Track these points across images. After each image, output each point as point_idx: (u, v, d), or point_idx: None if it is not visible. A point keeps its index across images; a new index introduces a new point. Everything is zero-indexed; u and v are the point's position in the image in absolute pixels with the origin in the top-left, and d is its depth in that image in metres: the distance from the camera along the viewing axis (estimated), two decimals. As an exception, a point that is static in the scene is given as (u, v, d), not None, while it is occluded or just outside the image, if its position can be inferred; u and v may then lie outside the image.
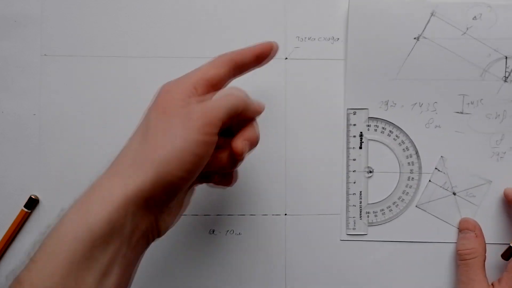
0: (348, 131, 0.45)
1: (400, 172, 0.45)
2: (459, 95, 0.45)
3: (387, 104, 0.45)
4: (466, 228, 0.44)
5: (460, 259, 0.43)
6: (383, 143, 0.45)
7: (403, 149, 0.45)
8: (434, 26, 0.44)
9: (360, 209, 0.45)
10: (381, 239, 0.45)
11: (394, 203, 0.45)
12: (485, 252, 0.43)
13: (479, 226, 0.44)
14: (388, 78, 0.45)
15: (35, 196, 0.45)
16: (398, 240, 0.45)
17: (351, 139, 0.45)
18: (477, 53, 0.44)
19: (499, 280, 0.41)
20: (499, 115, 0.45)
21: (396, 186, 0.45)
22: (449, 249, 0.45)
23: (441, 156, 0.45)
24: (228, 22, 0.45)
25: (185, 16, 0.45)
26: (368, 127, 0.45)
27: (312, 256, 0.45)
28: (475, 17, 0.44)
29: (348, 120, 0.45)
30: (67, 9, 0.45)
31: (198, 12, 0.45)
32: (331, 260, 0.45)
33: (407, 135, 0.45)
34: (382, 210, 0.45)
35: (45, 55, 0.45)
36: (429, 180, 0.45)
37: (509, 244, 0.43)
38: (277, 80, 0.45)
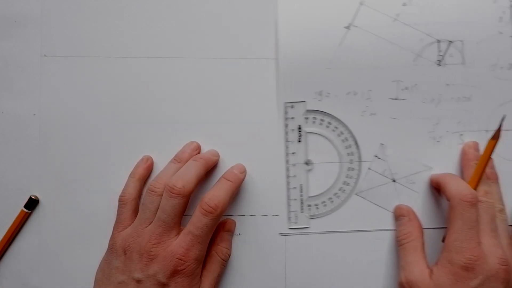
0: (286, 124, 0.45)
1: (340, 163, 0.45)
2: (393, 81, 0.45)
3: (321, 94, 0.44)
4: (400, 214, 0.44)
5: (399, 245, 0.43)
6: (322, 135, 0.45)
7: (342, 139, 0.45)
8: (364, 15, 0.44)
9: (302, 203, 0.45)
10: (323, 231, 0.45)
11: (335, 194, 0.45)
12: (422, 235, 0.43)
13: (412, 210, 0.44)
14: (321, 68, 0.44)
15: (35, 196, 0.44)
16: (341, 230, 0.45)
17: (289, 132, 0.45)
18: (409, 39, 0.44)
19: (436, 263, 0.40)
20: (434, 99, 0.45)
21: (336, 177, 0.45)
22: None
23: (381, 144, 0.45)
24: (229, 22, 0.45)
25: (184, 16, 0.45)
26: (306, 120, 0.45)
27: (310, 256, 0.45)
28: (404, 3, 0.44)
29: (286, 113, 0.45)
30: (67, 9, 0.45)
31: (198, 12, 0.45)
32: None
33: (345, 126, 0.44)
34: (324, 202, 0.45)
35: (45, 55, 0.45)
36: (369, 168, 0.45)
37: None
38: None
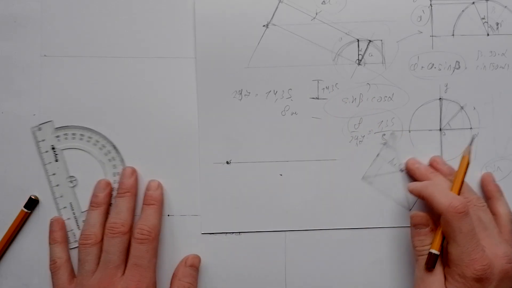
0: (38, 148, 0.44)
1: (104, 172, 0.44)
2: (314, 80, 0.45)
3: (241, 93, 0.44)
4: (419, 223, 0.41)
5: (417, 255, 0.41)
6: (78, 149, 0.44)
7: (99, 147, 0.44)
8: (283, 13, 0.44)
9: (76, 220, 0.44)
10: None
11: None
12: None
13: (431, 217, 0.41)
14: (240, 67, 0.44)
15: (35, 196, 0.44)
16: None
17: (44, 155, 0.44)
18: (328, 38, 0.44)
19: (446, 279, 0.39)
20: (355, 98, 0.45)
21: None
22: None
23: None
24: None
25: (184, 16, 0.45)
26: (58, 138, 0.44)
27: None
28: (324, 1, 0.44)
29: (35, 138, 0.44)
30: (67, 9, 0.45)
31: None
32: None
33: (104, 136, 0.44)
34: None
35: (45, 55, 0.45)
36: None
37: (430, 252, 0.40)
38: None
